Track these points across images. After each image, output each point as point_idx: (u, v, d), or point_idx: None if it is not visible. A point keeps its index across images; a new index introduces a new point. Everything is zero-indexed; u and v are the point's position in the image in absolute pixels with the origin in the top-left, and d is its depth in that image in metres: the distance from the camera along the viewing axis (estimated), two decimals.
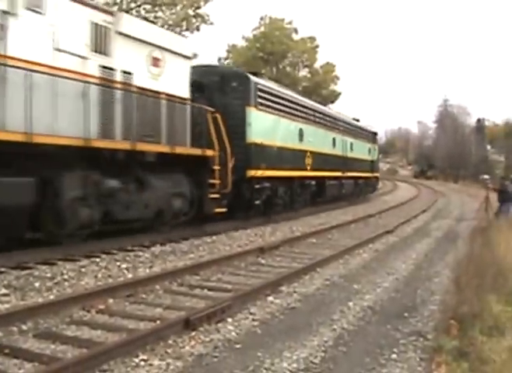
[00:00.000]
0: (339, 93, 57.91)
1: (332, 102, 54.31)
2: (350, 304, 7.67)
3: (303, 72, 55.75)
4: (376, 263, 11.07)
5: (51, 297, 7.61)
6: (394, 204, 29.49)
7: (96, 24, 11.40)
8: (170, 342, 5.75)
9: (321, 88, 54.47)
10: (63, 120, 10.35)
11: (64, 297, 7.33)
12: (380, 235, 15.12)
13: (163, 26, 28.35)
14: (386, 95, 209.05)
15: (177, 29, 29.99)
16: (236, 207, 16.73)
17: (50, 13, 10.35)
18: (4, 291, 7.77)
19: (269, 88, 19.33)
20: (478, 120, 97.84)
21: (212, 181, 14.72)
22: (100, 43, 11.50)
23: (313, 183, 23.12)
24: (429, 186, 59.48)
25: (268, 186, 18.36)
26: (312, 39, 54.50)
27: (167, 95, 13.32)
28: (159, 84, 13.09)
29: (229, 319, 6.63)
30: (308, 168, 22.17)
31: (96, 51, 11.41)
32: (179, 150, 13.41)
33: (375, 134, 38.97)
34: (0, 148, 8.92)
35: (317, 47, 54.70)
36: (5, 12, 9.46)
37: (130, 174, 12.35)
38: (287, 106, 20.56)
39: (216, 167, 14.79)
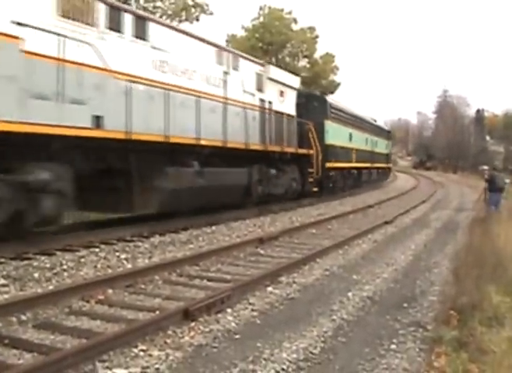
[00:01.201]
0: (339, 84, 57.72)
1: (332, 92, 54.03)
2: (349, 294, 7.67)
3: (303, 62, 55.44)
4: (376, 254, 11.07)
5: (50, 287, 7.61)
6: (394, 195, 29.51)
7: (258, 73, 18.30)
8: (170, 332, 5.74)
9: (321, 78, 54.19)
10: (252, 134, 17.43)
11: (63, 287, 7.32)
12: (379, 226, 15.12)
13: (161, 16, 28.26)
14: (386, 85, 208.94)
15: (177, 19, 29.86)
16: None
17: (241, 69, 17.06)
18: (3, 281, 7.76)
19: (335, 105, 27.96)
20: (478, 111, 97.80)
21: (310, 170, 22.04)
22: (259, 84, 18.34)
23: (356, 172, 31.29)
24: (428, 177, 59.57)
25: (334, 174, 25.98)
26: (312, 29, 54.17)
27: (286, 114, 20.32)
28: (282, 107, 20.09)
29: (229, 310, 6.63)
30: (353, 161, 30.24)
31: (258, 90, 18.20)
32: (300, 151, 21.14)
33: (389, 132, 48.33)
34: (233, 152, 15.99)
35: (316, 37, 54.34)
36: (225, 72, 16.13)
37: (277, 166, 19.49)
38: (344, 117, 28.83)
39: (313, 161, 22.10)
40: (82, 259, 9.48)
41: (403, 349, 5.55)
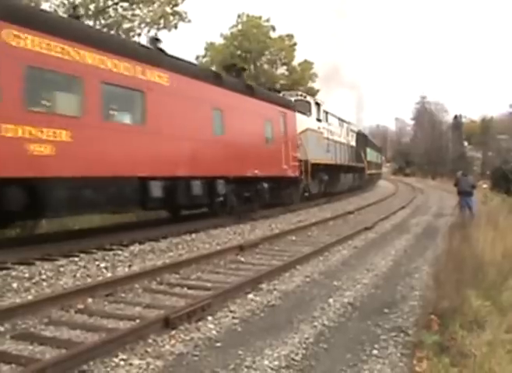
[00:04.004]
0: (317, 90, 58.00)
1: None
2: (330, 300, 7.67)
3: (281, 70, 55.55)
4: (356, 260, 11.08)
5: (29, 297, 7.54)
6: (373, 201, 29.65)
7: (347, 127, 37.03)
8: (150, 341, 5.70)
9: (299, 85, 54.37)
10: (343, 155, 34.71)
11: (42, 297, 7.25)
12: (359, 232, 15.15)
13: (140, 24, 28.20)
14: (364, 92, 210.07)
15: (155, 27, 29.78)
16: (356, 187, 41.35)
17: (344, 127, 35.92)
18: None
19: (370, 138, 53.65)
20: (455, 117, 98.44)
21: (362, 174, 42.08)
22: (347, 133, 37.01)
23: (375, 175, 53.52)
24: (407, 183, 60.07)
25: (369, 177, 46.65)
26: (290, 36, 54.32)
27: (353, 146, 38.33)
28: (352, 142, 38.15)
29: (210, 318, 6.60)
30: (373, 169, 50.21)
31: (347, 135, 36.45)
32: (362, 165, 41.76)
33: (380, 147, 71.49)
34: (348, 166, 36.17)
35: (295, 44, 54.53)
36: (340, 129, 35.15)
37: (358, 172, 40.69)
38: (371, 143, 52.27)
39: (365, 169, 42.69)
40: (62, 269, 9.41)
41: (385, 354, 5.56)
